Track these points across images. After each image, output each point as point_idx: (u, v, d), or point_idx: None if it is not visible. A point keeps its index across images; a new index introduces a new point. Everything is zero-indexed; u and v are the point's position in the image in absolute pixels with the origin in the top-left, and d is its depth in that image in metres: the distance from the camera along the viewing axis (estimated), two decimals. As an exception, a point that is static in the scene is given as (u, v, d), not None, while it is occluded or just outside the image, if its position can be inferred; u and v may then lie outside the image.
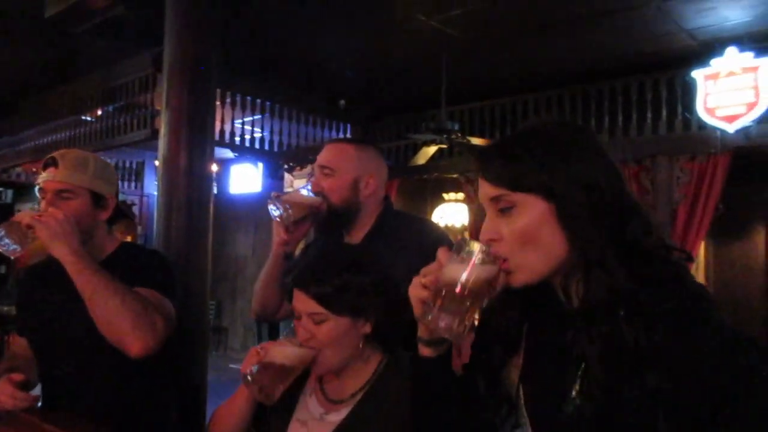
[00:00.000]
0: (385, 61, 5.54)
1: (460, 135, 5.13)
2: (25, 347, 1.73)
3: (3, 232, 1.51)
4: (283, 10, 4.43)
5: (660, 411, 0.76)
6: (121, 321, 1.45)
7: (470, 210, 6.48)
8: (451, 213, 7.03)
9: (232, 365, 7.92)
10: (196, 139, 3.05)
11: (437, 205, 7.33)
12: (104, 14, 3.68)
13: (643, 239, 0.83)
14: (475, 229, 6.26)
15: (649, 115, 5.19)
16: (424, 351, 0.93)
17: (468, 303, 0.82)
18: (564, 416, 0.83)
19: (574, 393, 0.83)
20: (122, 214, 1.76)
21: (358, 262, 1.29)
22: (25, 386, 1.53)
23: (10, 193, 11.49)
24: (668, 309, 0.77)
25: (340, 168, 1.68)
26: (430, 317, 0.84)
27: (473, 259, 0.83)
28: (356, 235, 1.72)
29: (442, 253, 0.86)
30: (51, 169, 1.61)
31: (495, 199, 0.86)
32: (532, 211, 0.84)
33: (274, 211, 1.63)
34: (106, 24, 3.80)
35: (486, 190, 0.88)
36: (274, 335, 7.98)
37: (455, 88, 5.39)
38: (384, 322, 1.26)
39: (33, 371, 1.68)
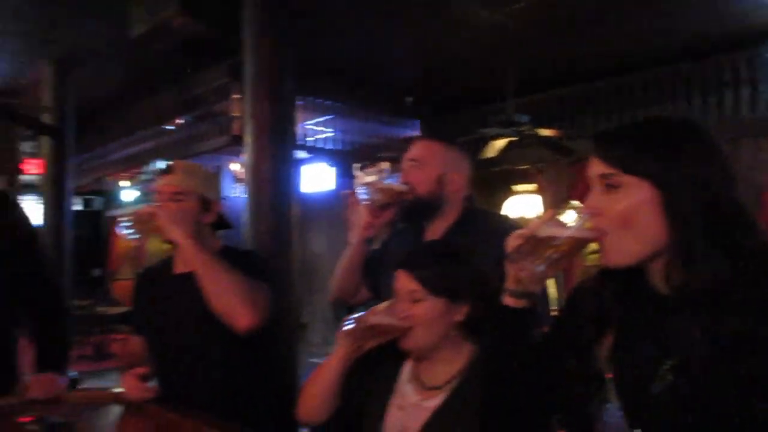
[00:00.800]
0: (449, 57, 5.59)
1: (529, 127, 5.11)
2: (141, 344, 1.91)
3: (130, 221, 1.71)
4: (348, 14, 4.56)
5: (755, 398, 0.80)
6: (231, 295, 1.63)
7: (544, 201, 6.43)
8: (523, 204, 6.99)
9: (312, 359, 8.20)
10: (278, 147, 3.23)
11: (508, 197, 7.31)
12: (184, 32, 3.91)
13: (746, 240, 0.87)
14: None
15: (730, 96, 5.01)
16: (509, 301, 1.01)
17: (554, 257, 0.91)
18: (653, 396, 0.88)
19: (665, 374, 0.88)
20: (226, 224, 1.92)
21: (458, 251, 1.39)
22: (147, 379, 1.72)
23: (100, 200, 12.28)
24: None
25: (427, 162, 1.77)
26: (518, 262, 0.93)
27: (571, 220, 0.91)
28: (437, 229, 1.79)
29: (545, 213, 0.94)
30: (166, 176, 1.81)
31: (604, 176, 0.91)
32: (638, 194, 0.88)
33: (363, 195, 1.74)
34: (186, 41, 4.04)
35: (597, 167, 0.93)
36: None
37: (523, 78, 5.38)
38: (476, 311, 1.33)
39: (149, 366, 1.84)
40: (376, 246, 1.97)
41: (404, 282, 1.35)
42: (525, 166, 6.49)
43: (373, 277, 1.90)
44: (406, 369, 1.44)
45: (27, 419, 1.45)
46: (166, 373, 1.81)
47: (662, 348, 0.89)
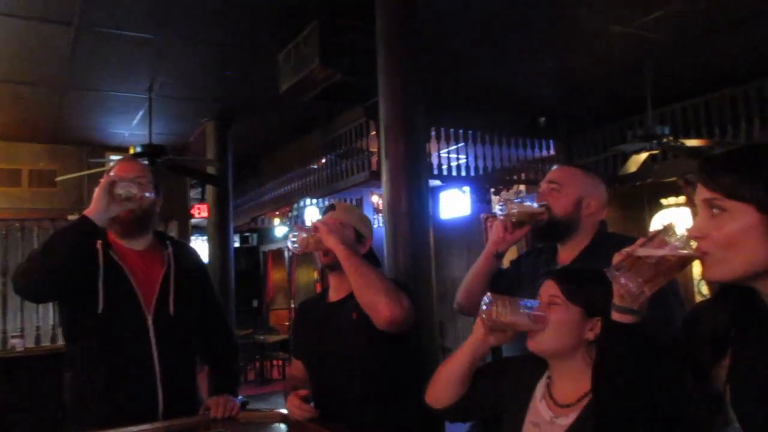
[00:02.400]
0: (580, 72, 5.50)
1: (672, 138, 4.88)
2: (301, 368, 2.13)
3: (295, 233, 1.96)
4: (474, 41, 4.69)
5: None
6: (377, 289, 1.80)
7: (693, 213, 6.04)
8: (671, 218, 6.61)
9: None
10: (413, 180, 3.41)
11: (656, 212, 6.95)
12: (326, 83, 4.28)
13: None
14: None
15: None
16: (615, 316, 1.07)
17: (652, 275, 0.97)
18: None
19: None
20: (376, 260, 2.10)
21: (601, 273, 1.45)
22: (308, 400, 1.91)
23: (255, 236, 13.35)
24: None
25: (566, 184, 1.84)
26: (616, 273, 0.99)
27: (672, 241, 0.97)
28: (569, 252, 1.85)
29: (651, 233, 1.00)
30: (330, 212, 2.07)
31: (708, 201, 0.96)
32: (743, 219, 0.92)
33: (500, 211, 1.86)
34: (327, 90, 4.41)
35: (703, 192, 0.97)
36: (496, 347, 8.11)
37: (661, 88, 5.16)
38: None
39: (309, 388, 2.05)
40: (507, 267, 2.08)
41: (547, 288, 1.43)
42: (672, 179, 6.15)
43: (500, 292, 1.99)
44: (540, 386, 1.50)
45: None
46: (323, 394, 1.98)
47: None
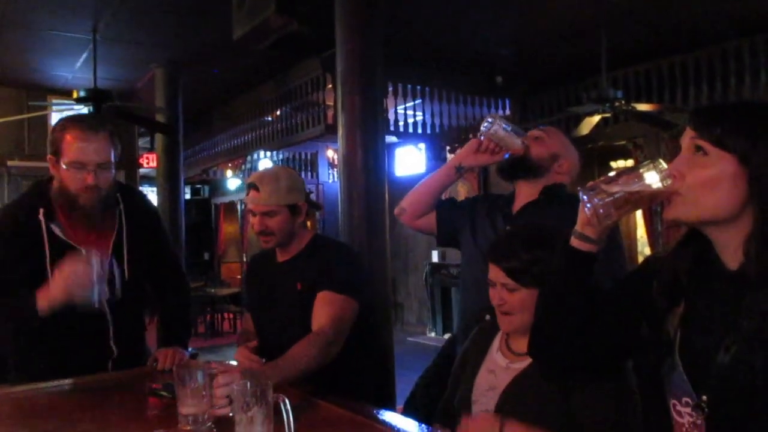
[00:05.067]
0: (539, 34, 5.50)
1: (623, 102, 4.95)
2: (251, 321, 2.15)
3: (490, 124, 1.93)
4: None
5: None
6: (317, 364, 1.71)
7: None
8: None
9: (409, 338, 8.42)
10: (370, 137, 3.38)
11: (605, 174, 7.12)
12: (281, 31, 4.15)
13: None
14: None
15: None
16: (575, 242, 1.10)
17: (622, 201, 0.99)
18: (719, 365, 0.93)
19: (731, 345, 0.93)
20: (316, 206, 2.11)
21: (541, 236, 1.45)
22: (256, 351, 1.89)
23: (207, 188, 13.10)
24: None
25: (552, 139, 1.98)
26: (592, 195, 1.01)
27: (644, 172, 0.99)
28: (524, 195, 1.98)
29: (624, 166, 1.03)
30: (254, 193, 1.94)
31: (693, 141, 0.98)
32: (722, 166, 0.94)
33: (485, 127, 1.90)
34: (283, 39, 4.27)
35: (690, 136, 1.00)
36: (447, 304, 8.32)
37: (616, 52, 5.20)
38: None
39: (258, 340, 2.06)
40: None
41: (495, 274, 1.45)
42: (622, 142, 6.29)
43: (447, 220, 2.08)
44: (497, 340, 1.55)
45: (157, 386, 1.69)
46: (269, 347, 1.96)
47: (729, 321, 0.95)
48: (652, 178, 0.98)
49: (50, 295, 1.76)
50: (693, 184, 0.96)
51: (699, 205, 0.97)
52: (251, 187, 1.96)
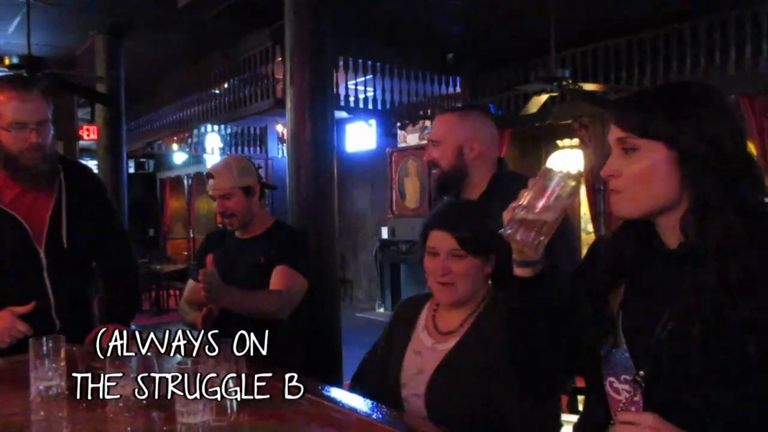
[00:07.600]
0: (489, 12, 5.51)
1: (571, 81, 5.04)
2: (198, 291, 2.12)
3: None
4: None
5: (750, 337, 0.89)
6: (267, 310, 2.09)
7: (585, 155, 6.36)
8: (566, 159, 6.95)
9: (358, 314, 8.46)
10: (319, 111, 3.34)
11: (552, 152, 7.27)
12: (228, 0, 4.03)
13: (752, 194, 0.95)
14: (591, 174, 6.16)
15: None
16: (517, 271, 1.10)
17: (542, 222, 1.00)
18: (657, 340, 0.97)
19: (668, 321, 0.97)
20: (270, 186, 2.38)
21: (488, 210, 1.48)
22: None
23: (152, 163, 12.72)
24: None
25: (444, 138, 1.88)
26: (509, 232, 1.02)
27: (553, 185, 1.00)
28: (471, 196, 1.88)
29: (531, 181, 1.03)
30: (211, 181, 2.25)
31: (621, 140, 1.01)
32: (654, 155, 0.97)
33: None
34: (231, 8, 4.14)
35: (615, 132, 1.02)
36: (396, 280, 8.38)
37: (564, 32, 5.27)
38: (502, 263, 1.43)
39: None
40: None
41: (444, 241, 1.45)
42: (568, 121, 6.42)
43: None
44: (422, 317, 1.56)
45: (98, 365, 1.63)
46: (229, 314, 2.05)
47: (668, 297, 0.98)
48: (560, 185, 0.99)
49: None
50: (629, 181, 0.99)
51: (639, 201, 1.00)
52: (209, 176, 2.28)
